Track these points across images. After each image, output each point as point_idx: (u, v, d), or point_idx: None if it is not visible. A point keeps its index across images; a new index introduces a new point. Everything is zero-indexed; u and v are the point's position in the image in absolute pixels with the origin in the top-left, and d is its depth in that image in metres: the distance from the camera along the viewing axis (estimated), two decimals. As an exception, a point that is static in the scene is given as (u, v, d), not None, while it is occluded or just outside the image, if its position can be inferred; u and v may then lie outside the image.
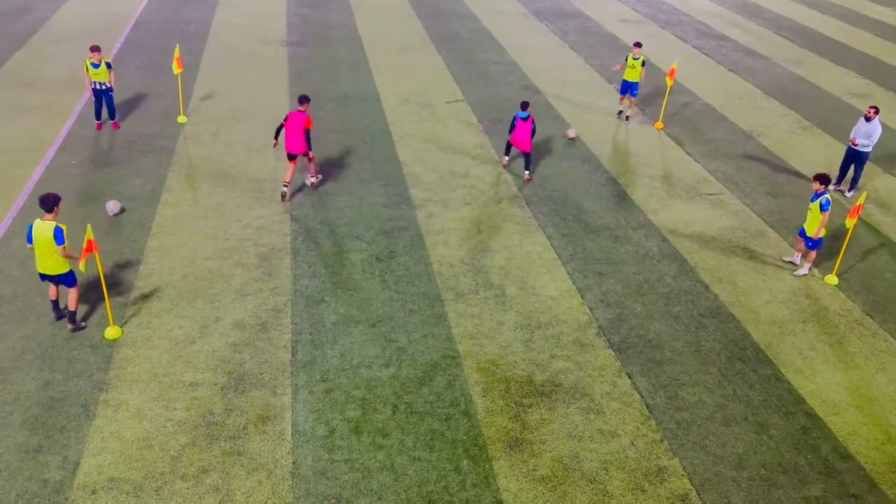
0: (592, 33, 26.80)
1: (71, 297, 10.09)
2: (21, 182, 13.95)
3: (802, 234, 12.60)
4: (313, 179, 14.48)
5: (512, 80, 21.38)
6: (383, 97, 19.41)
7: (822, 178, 12.18)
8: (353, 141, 16.72)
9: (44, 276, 10.02)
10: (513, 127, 15.04)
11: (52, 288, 10.26)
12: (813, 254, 12.65)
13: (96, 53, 15.62)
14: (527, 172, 15.38)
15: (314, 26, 25.34)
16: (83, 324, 10.35)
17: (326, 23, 25.84)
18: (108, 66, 15.81)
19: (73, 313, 10.17)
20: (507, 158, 15.86)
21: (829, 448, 9.25)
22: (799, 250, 12.93)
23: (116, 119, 16.63)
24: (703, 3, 33.01)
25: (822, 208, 12.07)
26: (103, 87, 15.89)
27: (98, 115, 16.32)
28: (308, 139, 13.66)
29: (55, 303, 10.31)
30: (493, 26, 26.76)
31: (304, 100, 13.66)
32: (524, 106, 14.86)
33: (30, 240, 9.75)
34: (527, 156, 15.33)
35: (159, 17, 25.00)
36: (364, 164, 15.68)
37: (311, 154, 13.91)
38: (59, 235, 9.59)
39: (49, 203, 9.72)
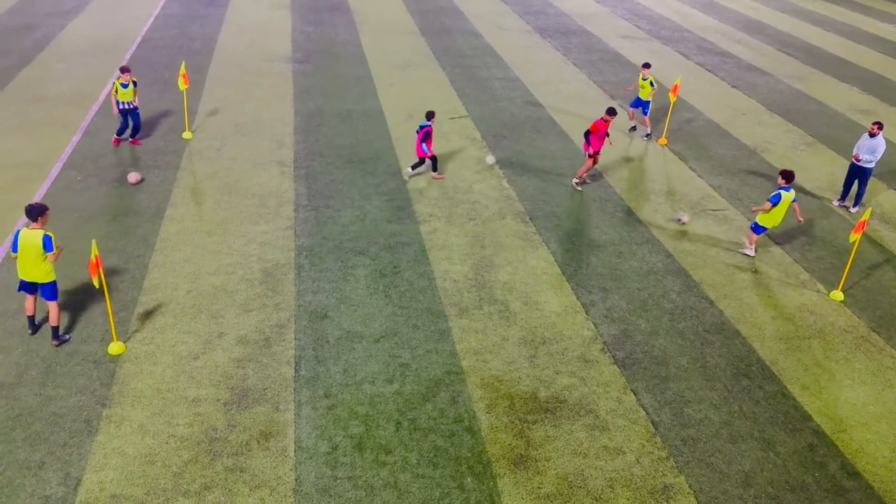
0: (595, 50, 26.93)
1: (52, 312, 10.07)
2: (27, 197, 14.00)
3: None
4: (576, 181, 15.95)
5: (515, 96, 21.47)
6: (387, 113, 19.49)
7: (784, 175, 12.98)
8: (357, 156, 16.77)
9: (25, 285, 10.00)
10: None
11: (28, 302, 10.22)
12: (753, 236, 13.54)
13: (126, 74, 15.86)
14: (434, 173, 16.06)
15: (318, 43, 25.51)
16: (67, 336, 10.35)
17: (331, 40, 26.01)
18: (135, 84, 16.06)
19: (56, 328, 10.16)
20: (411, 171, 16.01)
21: (836, 466, 9.16)
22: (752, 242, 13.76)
23: (139, 136, 16.83)
24: (705, 20, 33.18)
25: (770, 199, 12.98)
26: (130, 107, 16.12)
27: (121, 133, 16.46)
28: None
29: (31, 318, 10.30)
30: (497, 43, 26.91)
31: (611, 112, 15.26)
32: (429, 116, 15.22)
33: (14, 248, 9.76)
34: (423, 161, 15.77)
35: (165, 35, 25.20)
36: (368, 178, 15.72)
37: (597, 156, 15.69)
38: (48, 243, 9.63)
39: (35, 212, 9.75)
